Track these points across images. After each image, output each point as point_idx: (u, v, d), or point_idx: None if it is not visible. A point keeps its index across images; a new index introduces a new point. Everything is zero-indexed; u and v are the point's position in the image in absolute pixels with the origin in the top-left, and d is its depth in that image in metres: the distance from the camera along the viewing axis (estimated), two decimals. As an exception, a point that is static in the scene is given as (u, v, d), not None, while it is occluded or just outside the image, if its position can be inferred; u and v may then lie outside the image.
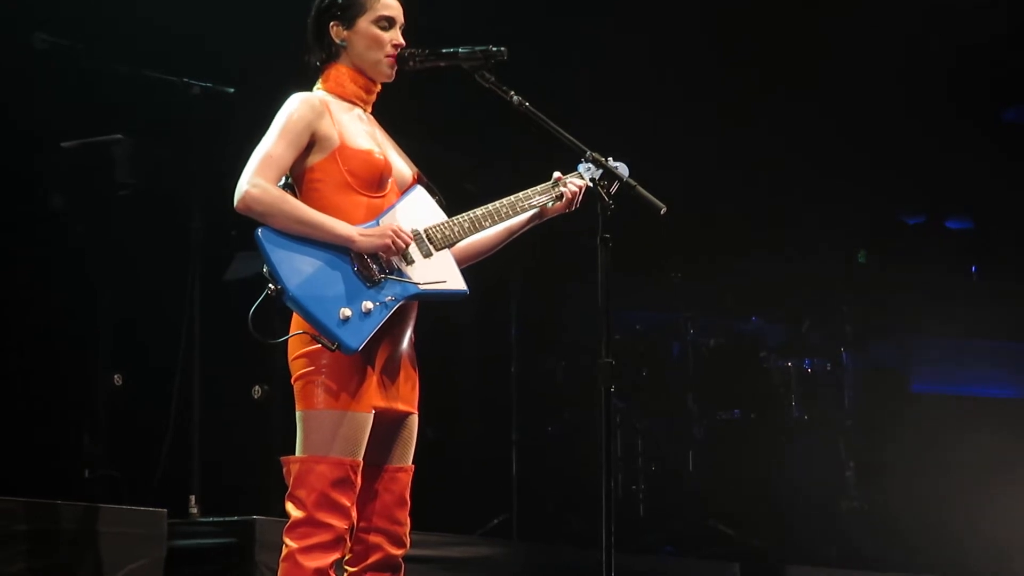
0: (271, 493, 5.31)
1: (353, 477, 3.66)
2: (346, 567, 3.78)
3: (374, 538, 3.77)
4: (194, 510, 5.64)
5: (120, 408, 6.09)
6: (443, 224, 3.84)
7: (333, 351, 3.61)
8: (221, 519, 5.39)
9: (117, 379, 6.06)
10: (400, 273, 3.73)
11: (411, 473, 3.85)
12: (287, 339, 3.69)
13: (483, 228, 3.88)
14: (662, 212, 3.86)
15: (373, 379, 3.70)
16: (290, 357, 3.72)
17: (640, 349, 8.17)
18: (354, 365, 3.66)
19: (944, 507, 7.59)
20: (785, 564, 6.89)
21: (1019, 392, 9.43)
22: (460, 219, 3.86)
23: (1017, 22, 8.22)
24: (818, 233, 8.89)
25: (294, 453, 3.68)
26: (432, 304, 3.81)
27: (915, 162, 9.01)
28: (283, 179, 3.72)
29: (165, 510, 5.18)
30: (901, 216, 9.81)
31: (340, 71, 3.86)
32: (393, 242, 3.70)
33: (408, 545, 3.83)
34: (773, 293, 8.59)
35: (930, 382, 9.07)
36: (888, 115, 8.75)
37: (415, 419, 3.86)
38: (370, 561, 3.77)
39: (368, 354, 3.67)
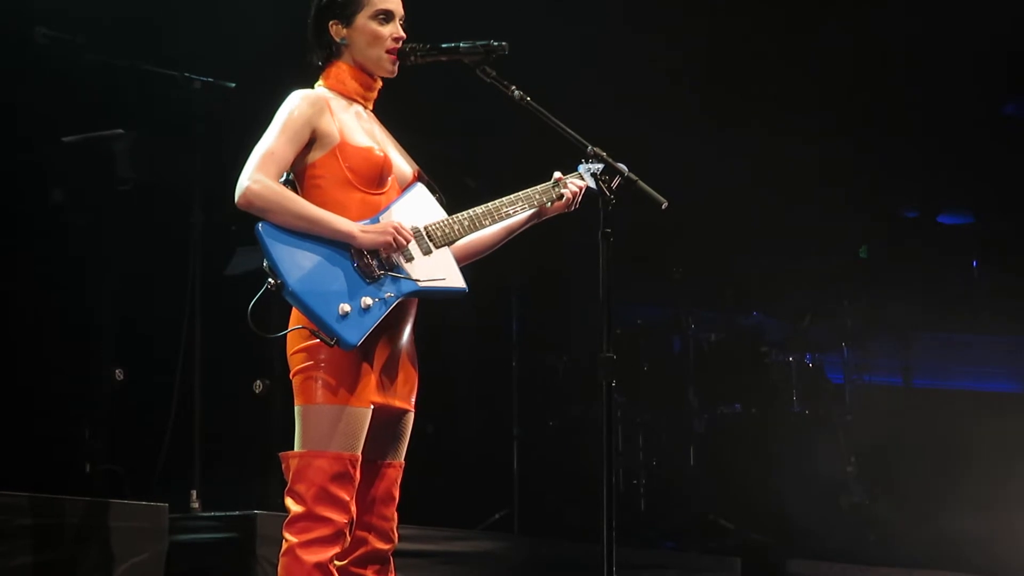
0: (272, 488, 5.31)
1: (352, 471, 3.66)
2: (334, 560, 3.78)
3: (360, 532, 3.78)
4: (195, 505, 5.64)
5: (121, 403, 6.09)
6: (443, 222, 3.84)
7: (332, 346, 3.61)
8: (222, 514, 5.39)
9: (118, 374, 6.05)
10: (400, 270, 3.72)
11: (400, 469, 3.85)
12: (286, 333, 3.70)
13: (483, 227, 3.88)
14: (663, 207, 3.86)
15: (372, 375, 3.70)
16: (289, 352, 3.72)
17: (641, 344, 8.17)
18: (353, 361, 3.66)
19: (944, 502, 7.60)
20: (786, 558, 6.90)
21: (1021, 387, 9.44)
22: (460, 217, 3.86)
23: (1017, 17, 8.22)
24: (819, 228, 8.89)
25: (293, 448, 3.69)
26: (433, 300, 3.81)
27: (916, 158, 9.01)
28: (284, 175, 3.72)
29: (166, 505, 5.18)
30: (901, 211, 9.82)
31: (341, 68, 3.87)
32: (394, 239, 3.70)
33: (396, 540, 3.83)
34: (774, 288, 8.60)
35: (931, 377, 9.08)
36: (888, 111, 8.75)
37: (411, 416, 3.86)
38: (357, 554, 3.77)
39: (367, 350, 3.67)
